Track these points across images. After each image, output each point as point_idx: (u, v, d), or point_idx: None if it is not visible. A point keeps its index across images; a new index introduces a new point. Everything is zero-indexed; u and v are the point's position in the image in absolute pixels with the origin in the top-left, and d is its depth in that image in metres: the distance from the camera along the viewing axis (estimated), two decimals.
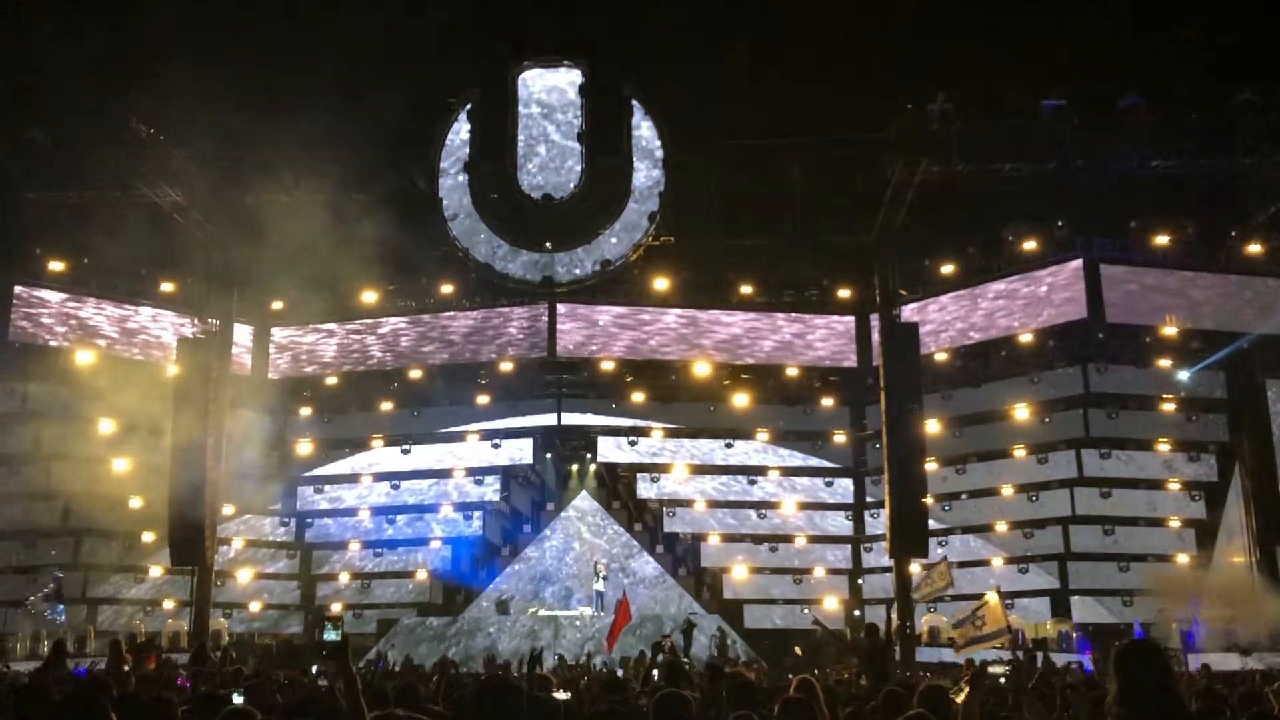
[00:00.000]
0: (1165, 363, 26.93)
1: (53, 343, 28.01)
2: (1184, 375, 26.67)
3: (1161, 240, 27.36)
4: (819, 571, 29.55)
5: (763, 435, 29.95)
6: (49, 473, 27.54)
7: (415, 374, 29.92)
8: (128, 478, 27.87)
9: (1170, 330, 26.74)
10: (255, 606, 29.49)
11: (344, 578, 30.05)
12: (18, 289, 27.79)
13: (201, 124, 28.01)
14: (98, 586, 27.74)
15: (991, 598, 17.06)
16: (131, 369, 28.64)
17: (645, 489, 29.81)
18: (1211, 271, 27.12)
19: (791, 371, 29.95)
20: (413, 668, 19.73)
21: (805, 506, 29.92)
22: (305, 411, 30.66)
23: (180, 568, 26.26)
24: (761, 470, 29.88)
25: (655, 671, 10.64)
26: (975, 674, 5.81)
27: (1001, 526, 27.84)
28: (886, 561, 25.73)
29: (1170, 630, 24.11)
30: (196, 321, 26.98)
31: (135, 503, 27.74)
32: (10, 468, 27.42)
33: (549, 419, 29.42)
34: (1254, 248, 27.26)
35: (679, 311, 29.96)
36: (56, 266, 28.48)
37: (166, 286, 29.42)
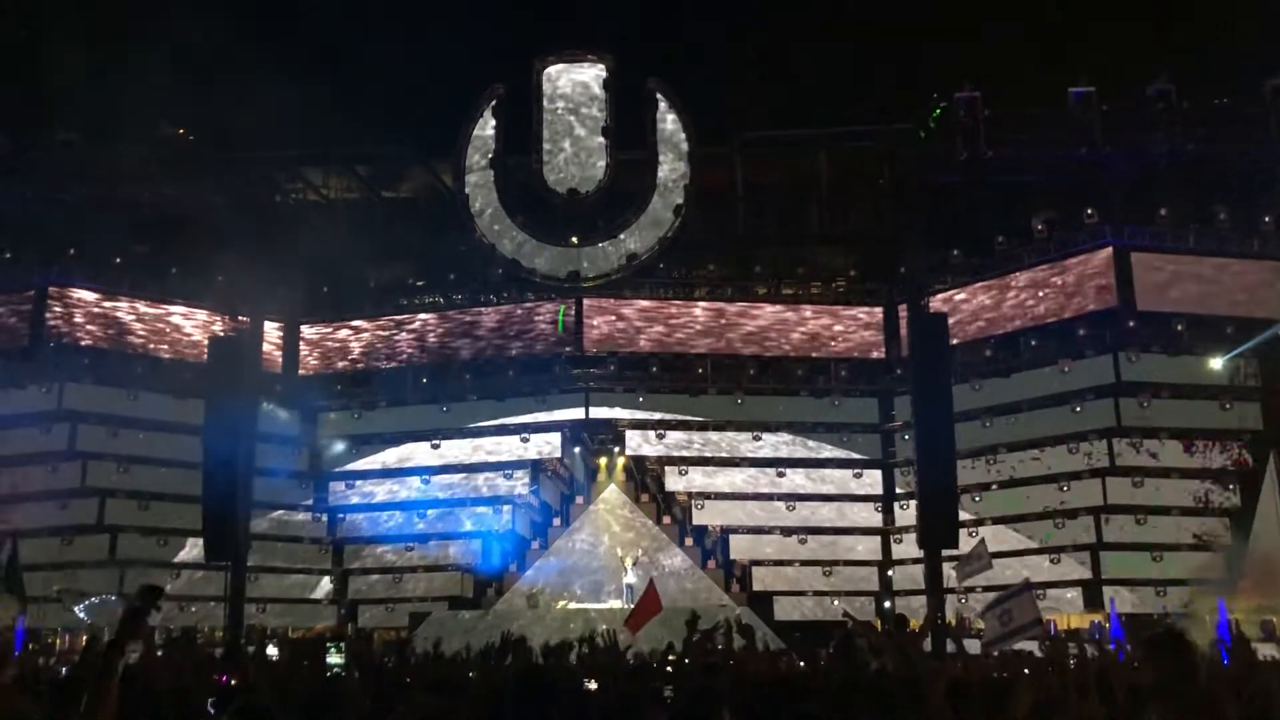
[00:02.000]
0: (1198, 350, 26.63)
1: (86, 342, 28.38)
2: (1217, 363, 26.36)
3: (1193, 227, 27.08)
4: (848, 563, 29.44)
5: (791, 427, 29.86)
6: (84, 471, 27.89)
7: (444, 369, 30.10)
8: (161, 475, 28.17)
9: (1202, 317, 26.50)
10: (287, 601, 29.73)
11: (375, 572, 30.26)
12: (51, 289, 28.19)
13: (231, 124, 28.28)
14: (133, 583, 28.05)
15: (1025, 590, 16.83)
16: (164, 367, 29.01)
17: (674, 481, 29.81)
18: (1244, 258, 26.83)
19: (819, 363, 29.90)
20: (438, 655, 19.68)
21: (834, 498, 29.82)
22: (335, 407, 30.86)
23: (214, 563, 26.50)
24: (790, 462, 29.81)
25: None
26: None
27: (1032, 517, 27.64)
28: (916, 553, 25.63)
29: (1205, 620, 23.88)
30: (227, 319, 27.21)
31: (169, 500, 28.04)
32: (46, 465, 27.77)
33: (577, 413, 29.46)
34: None
35: (705, 304, 29.96)
36: (89, 266, 28.83)
37: (197, 285, 29.70)
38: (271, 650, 24.52)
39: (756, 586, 29.18)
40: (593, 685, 9.49)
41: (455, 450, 30.20)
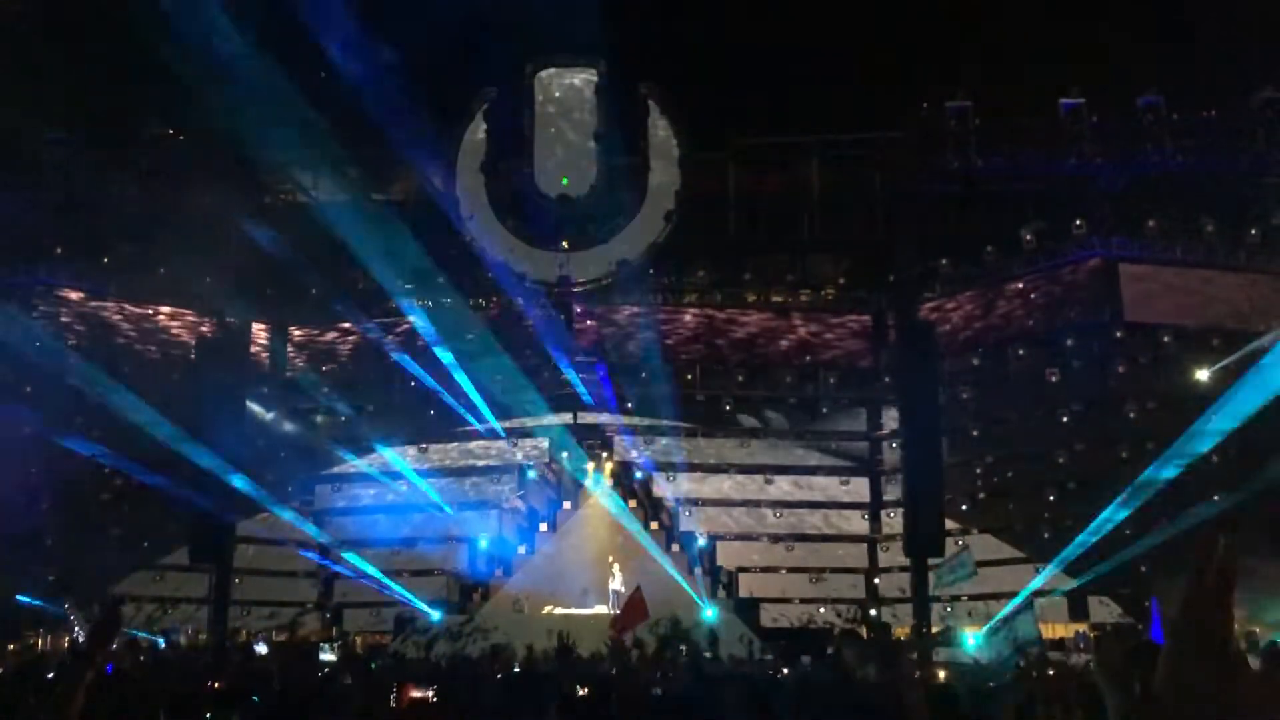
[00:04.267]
0: (1184, 362, 26.72)
1: (73, 342, 28.21)
2: (1203, 374, 26.46)
3: (1181, 239, 27.20)
4: (835, 570, 29.44)
5: (779, 434, 29.89)
6: (70, 470, 27.66)
7: (433, 372, 30.01)
8: (148, 476, 28.00)
9: (1189, 329, 26.60)
10: (272, 604, 29.55)
11: (361, 575, 30.10)
12: (37, 288, 28.02)
13: (221, 125, 28.15)
14: (118, 584, 27.87)
15: (1028, 608, 16.85)
16: (151, 368, 28.86)
17: (661, 488, 29.80)
18: (1231, 270, 26.95)
19: (808, 371, 29.93)
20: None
21: (821, 505, 29.83)
22: (323, 410, 30.73)
23: (199, 565, 26.36)
24: (777, 469, 29.82)
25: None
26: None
27: (1019, 526, 27.69)
28: (903, 561, 25.65)
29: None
30: (215, 320, 27.08)
31: (154, 501, 27.86)
32: (31, 465, 27.55)
33: (565, 418, 29.45)
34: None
35: (695, 310, 29.98)
36: (76, 266, 28.68)
37: (185, 286, 29.54)
38: (260, 649, 24.44)
39: (742, 593, 29.15)
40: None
41: (443, 454, 30.13)
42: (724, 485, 29.87)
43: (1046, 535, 27.12)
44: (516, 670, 16.74)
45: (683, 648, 18.79)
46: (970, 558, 21.06)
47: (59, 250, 28.69)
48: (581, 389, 29.52)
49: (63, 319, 28.24)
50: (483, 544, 30.04)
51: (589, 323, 29.61)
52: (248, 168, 30.52)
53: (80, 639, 19.21)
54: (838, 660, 16.42)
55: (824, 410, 29.94)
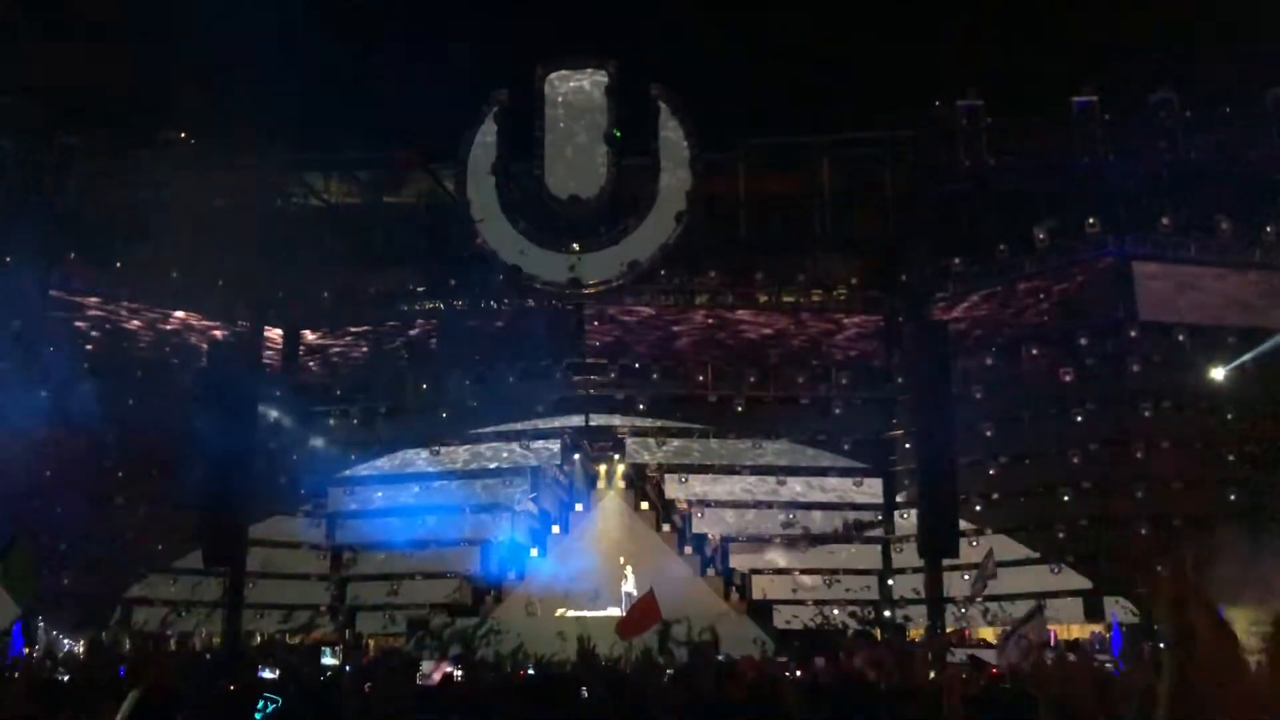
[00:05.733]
0: (1199, 360, 26.56)
1: (87, 346, 28.29)
2: (1219, 372, 26.29)
3: (1195, 237, 27.03)
4: (848, 572, 29.31)
5: (791, 435, 29.78)
6: (83, 473, 27.72)
7: (444, 375, 30.01)
8: (162, 480, 28.07)
9: (1204, 327, 26.43)
10: (285, 607, 29.55)
11: (374, 578, 30.10)
12: (53, 293, 28.11)
13: (232, 130, 28.27)
14: (132, 587, 27.94)
15: (1039, 611, 16.79)
16: (164, 371, 28.92)
17: (674, 489, 29.73)
18: (1246, 268, 26.77)
19: (820, 371, 29.82)
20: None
21: (834, 506, 29.72)
22: (335, 413, 30.76)
23: (212, 569, 26.37)
24: (790, 470, 29.72)
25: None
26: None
27: (1034, 525, 27.52)
28: (917, 562, 25.51)
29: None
30: (228, 324, 27.12)
31: (169, 504, 27.93)
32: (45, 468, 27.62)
33: (577, 420, 29.40)
34: None
35: (706, 311, 29.93)
36: (90, 271, 28.77)
37: (199, 289, 29.62)
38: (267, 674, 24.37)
39: (756, 595, 29.05)
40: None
41: (455, 457, 30.11)
42: (736, 487, 29.77)
43: (1061, 535, 26.97)
44: (531, 672, 16.72)
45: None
46: (991, 559, 20.97)
47: (72, 255, 28.78)
48: (593, 390, 29.48)
49: (76, 323, 28.31)
50: (494, 547, 29.96)
51: (600, 324, 29.56)
52: (260, 170, 30.63)
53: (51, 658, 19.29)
54: (844, 662, 16.33)
55: (836, 411, 29.80)
